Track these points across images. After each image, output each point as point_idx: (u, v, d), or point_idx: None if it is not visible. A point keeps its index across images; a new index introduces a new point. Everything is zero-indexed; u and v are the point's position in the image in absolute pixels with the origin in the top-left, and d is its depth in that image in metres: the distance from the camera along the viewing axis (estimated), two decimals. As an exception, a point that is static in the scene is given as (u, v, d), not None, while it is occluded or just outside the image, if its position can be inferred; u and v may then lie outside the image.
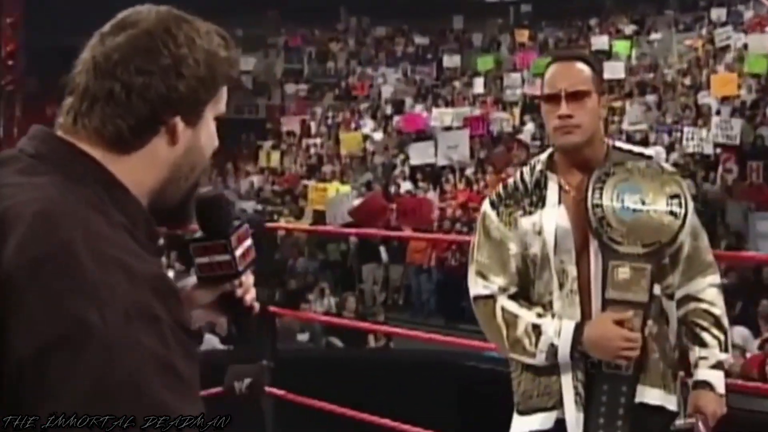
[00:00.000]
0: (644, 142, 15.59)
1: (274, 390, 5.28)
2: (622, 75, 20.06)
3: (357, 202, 15.42)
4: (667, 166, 2.73)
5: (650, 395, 2.54)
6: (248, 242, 1.56)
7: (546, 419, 2.59)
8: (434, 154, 17.06)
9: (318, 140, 22.56)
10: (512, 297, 2.63)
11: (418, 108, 21.81)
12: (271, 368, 5.38)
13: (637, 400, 2.53)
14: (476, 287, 2.67)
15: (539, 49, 23.52)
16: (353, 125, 22.48)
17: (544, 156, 2.70)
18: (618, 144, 2.70)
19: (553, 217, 2.57)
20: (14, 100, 24.19)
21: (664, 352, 2.58)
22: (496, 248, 2.65)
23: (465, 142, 16.97)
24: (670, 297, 2.60)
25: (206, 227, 1.52)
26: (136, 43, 1.29)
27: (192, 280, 1.58)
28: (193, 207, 1.42)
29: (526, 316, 2.59)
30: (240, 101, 26.85)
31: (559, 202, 2.59)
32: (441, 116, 19.69)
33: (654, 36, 23.53)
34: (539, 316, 2.57)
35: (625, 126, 17.10)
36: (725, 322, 2.66)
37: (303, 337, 9.97)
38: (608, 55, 21.51)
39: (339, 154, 20.81)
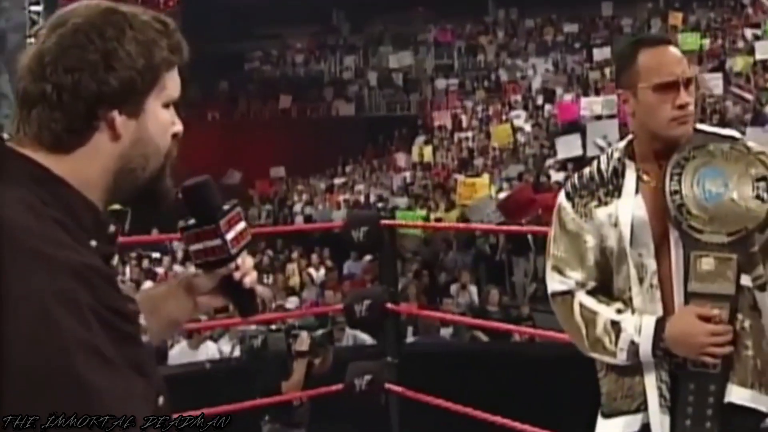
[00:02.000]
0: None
1: (396, 387, 5.25)
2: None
3: (504, 194, 15.23)
4: (756, 146, 2.48)
5: (739, 395, 2.35)
6: (240, 225, 1.56)
7: (630, 423, 2.44)
8: (581, 146, 16.63)
9: (469, 134, 22.45)
10: (591, 292, 2.49)
11: (568, 97, 21.39)
12: (395, 364, 5.37)
13: (726, 399, 2.34)
14: (553, 283, 2.54)
15: (691, 32, 22.64)
16: (504, 117, 22.26)
17: (622, 143, 2.53)
18: (701, 127, 2.50)
19: (629, 208, 2.42)
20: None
21: (759, 348, 2.38)
22: (572, 241, 2.51)
23: (614, 130, 16.49)
24: (762, 288, 2.38)
25: (195, 214, 1.53)
26: (64, 41, 1.28)
27: (192, 268, 1.62)
28: (166, 189, 1.41)
29: (606, 312, 2.44)
30: (392, 98, 27.06)
31: (637, 191, 2.43)
32: (590, 105, 19.24)
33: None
34: (619, 312, 2.42)
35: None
36: None
37: (446, 331, 9.90)
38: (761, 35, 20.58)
39: (490, 146, 20.65)
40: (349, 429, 5.62)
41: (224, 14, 25.66)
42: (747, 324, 2.36)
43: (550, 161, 17.97)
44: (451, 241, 15.29)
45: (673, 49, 2.42)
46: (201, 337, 8.40)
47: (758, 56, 19.70)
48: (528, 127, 20.97)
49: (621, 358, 2.41)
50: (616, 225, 2.42)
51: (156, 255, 16.33)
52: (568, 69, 24.35)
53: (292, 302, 11.27)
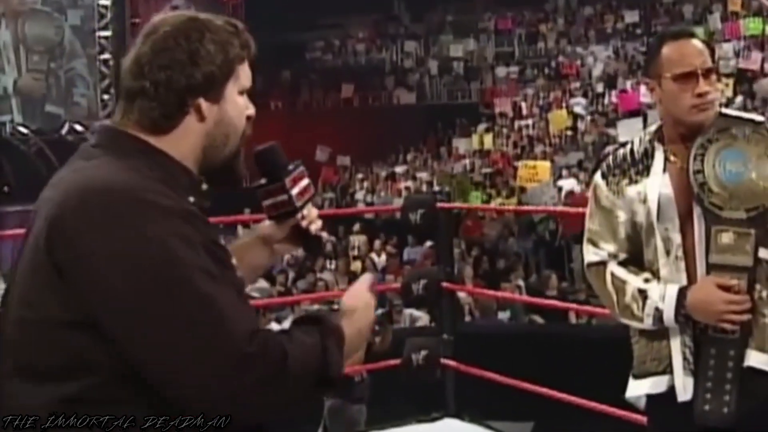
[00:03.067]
0: None
1: (450, 362, 5.46)
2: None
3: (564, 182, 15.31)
4: None
5: (758, 359, 2.55)
6: (304, 182, 1.88)
7: (657, 383, 2.66)
8: (643, 130, 16.62)
9: (529, 121, 22.51)
10: (623, 263, 2.70)
11: (628, 84, 21.33)
12: (451, 341, 5.57)
13: (746, 364, 2.55)
14: (588, 254, 2.76)
15: (753, 17, 22.39)
16: (564, 105, 22.28)
17: (653, 128, 2.75)
18: (725, 111, 2.71)
19: (656, 186, 2.63)
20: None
21: None
22: (606, 216, 2.73)
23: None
24: None
25: (265, 174, 1.85)
26: (156, 46, 1.63)
27: (267, 222, 1.96)
28: (241, 168, 1.73)
29: (634, 281, 2.66)
30: (452, 86, 27.13)
31: (664, 171, 2.65)
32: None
33: None
34: (646, 281, 2.64)
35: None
36: None
37: (504, 315, 10.09)
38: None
39: (549, 134, 20.71)
40: (406, 404, 5.83)
41: (286, 4, 25.88)
42: (765, 294, 2.56)
43: (609, 148, 17.98)
44: (511, 227, 15.45)
45: (695, 41, 2.64)
46: (266, 320, 8.73)
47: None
48: (588, 115, 20.96)
49: (647, 323, 2.63)
50: (644, 201, 2.64)
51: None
52: (628, 56, 24.23)
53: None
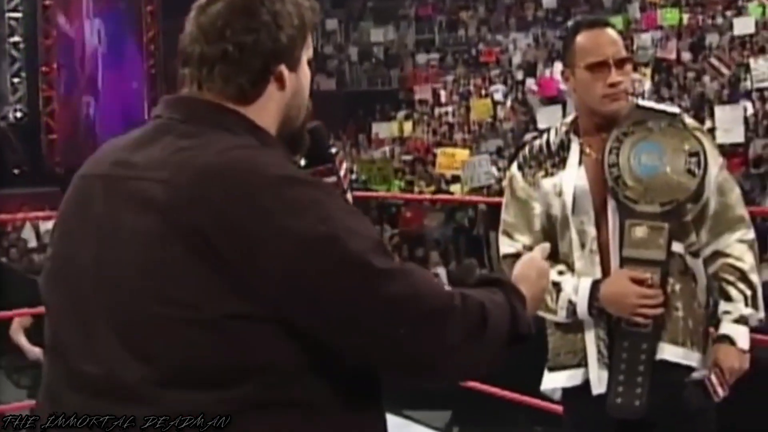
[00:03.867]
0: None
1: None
2: (752, 30, 19.36)
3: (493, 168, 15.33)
4: (692, 122, 2.71)
5: (671, 352, 2.56)
6: (345, 165, 1.75)
7: (572, 376, 2.65)
8: (562, 118, 16.79)
9: (449, 108, 22.63)
10: None
11: (548, 72, 21.56)
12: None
13: (658, 357, 2.55)
14: (503, 246, 2.74)
15: (671, 7, 22.84)
16: (484, 92, 22.44)
17: (568, 119, 2.73)
18: (642, 103, 2.71)
19: (572, 178, 2.62)
20: (158, 82, 25.23)
21: (689, 309, 2.59)
22: (521, 208, 2.71)
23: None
24: (695, 255, 2.60)
25: (310, 155, 1.69)
26: (236, 5, 1.46)
27: None
28: (306, 141, 1.61)
29: None
30: (373, 73, 27.13)
31: (580, 163, 2.63)
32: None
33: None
34: (560, 273, 2.62)
35: (753, 83, 16.42)
36: (754, 277, 2.62)
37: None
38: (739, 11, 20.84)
39: (470, 121, 20.84)
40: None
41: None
42: (678, 287, 2.57)
43: (528, 136, 18.14)
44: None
45: (609, 31, 2.63)
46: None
47: (736, 32, 19.93)
48: (508, 102, 21.14)
49: (561, 315, 2.62)
50: (560, 194, 2.62)
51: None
52: (548, 44, 24.50)
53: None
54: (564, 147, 2.67)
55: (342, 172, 1.72)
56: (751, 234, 2.66)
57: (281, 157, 1.45)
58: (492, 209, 14.59)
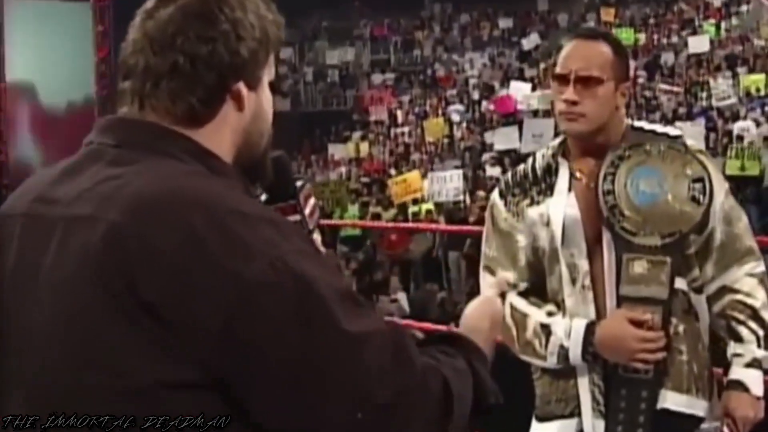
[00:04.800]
0: (735, 117, 15.01)
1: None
2: (706, 49, 19.45)
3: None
4: (694, 145, 2.42)
5: (674, 400, 2.29)
6: (312, 201, 1.53)
7: (565, 427, 2.37)
8: (519, 140, 16.68)
9: (406, 129, 22.47)
10: (523, 294, 2.42)
11: (504, 92, 21.51)
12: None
13: (660, 405, 2.28)
14: (485, 284, 2.46)
15: (626, 27, 22.96)
16: (440, 112, 22.32)
17: (556, 141, 2.47)
18: (638, 124, 2.43)
19: (561, 206, 2.35)
20: (108, 104, 24.83)
21: (694, 352, 2.32)
22: (504, 240, 2.44)
23: (550, 131, 16.54)
24: (699, 291, 2.34)
25: (272, 190, 1.48)
26: (190, 11, 1.24)
27: None
28: (268, 172, 1.39)
29: (536, 314, 2.37)
30: (328, 93, 26.95)
31: (570, 190, 2.37)
32: (527, 99, 19.33)
33: (744, 7, 22.70)
34: (549, 314, 2.36)
35: (714, 102, 16.42)
36: (767, 315, 2.37)
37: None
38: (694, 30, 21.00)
39: (426, 141, 20.67)
40: None
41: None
42: (681, 328, 2.31)
43: (485, 156, 18.00)
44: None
45: (591, 45, 2.34)
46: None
47: (691, 50, 20.02)
48: (464, 122, 21.02)
49: (551, 361, 2.35)
50: (548, 224, 2.36)
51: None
52: (504, 64, 24.46)
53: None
54: (551, 172, 2.41)
55: (308, 209, 1.50)
56: (761, 266, 2.39)
57: (234, 189, 1.22)
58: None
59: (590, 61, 2.30)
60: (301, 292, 1.11)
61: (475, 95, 22.71)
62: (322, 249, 1.57)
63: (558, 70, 2.34)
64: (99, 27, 24.77)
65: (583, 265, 2.32)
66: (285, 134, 24.34)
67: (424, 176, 15.94)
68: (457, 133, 20.41)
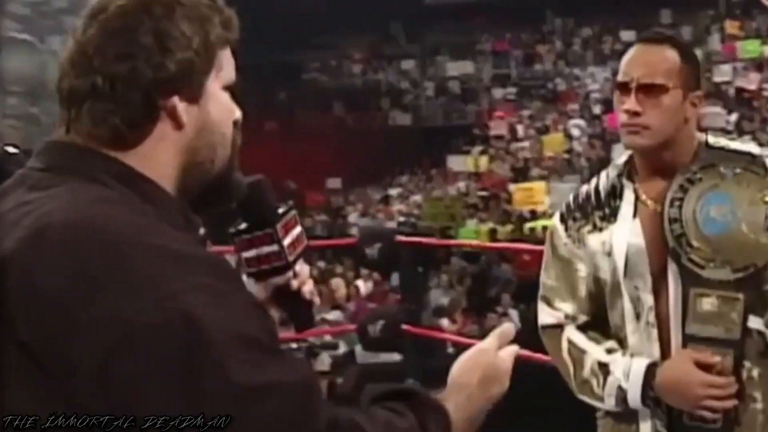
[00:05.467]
0: None
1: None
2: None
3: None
4: None
5: None
6: (297, 230, 1.44)
7: None
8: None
9: (525, 143, 22.10)
10: (583, 327, 2.22)
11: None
12: (416, 386, 5.12)
13: None
14: (542, 315, 2.28)
15: (752, 39, 22.12)
16: (561, 127, 21.90)
17: (621, 159, 2.26)
18: (715, 141, 2.17)
19: (624, 234, 2.14)
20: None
21: None
22: (563, 269, 2.25)
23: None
24: None
25: (249, 217, 1.41)
26: (109, 27, 1.17)
27: (244, 277, 1.44)
28: (239, 186, 1.30)
29: (594, 351, 2.17)
30: (448, 107, 26.82)
31: (635, 215, 2.16)
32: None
33: None
34: (609, 352, 2.15)
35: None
36: None
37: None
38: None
39: (545, 156, 20.31)
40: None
41: (281, 24, 25.61)
42: (755, 373, 2.07)
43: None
44: (502, 253, 14.93)
45: (651, 49, 2.13)
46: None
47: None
48: (585, 137, 20.58)
49: (609, 403, 2.15)
50: (609, 254, 2.15)
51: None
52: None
53: (334, 315, 11.06)
54: (615, 194, 2.20)
55: (289, 239, 1.41)
56: None
57: (158, 218, 1.13)
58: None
59: (654, 67, 2.09)
60: (190, 337, 1.00)
61: (597, 110, 22.21)
62: (309, 286, 1.45)
63: (619, 78, 2.14)
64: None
65: (648, 299, 2.11)
66: (406, 148, 24.49)
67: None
68: (577, 148, 19.99)
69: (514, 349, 1.35)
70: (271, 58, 24.99)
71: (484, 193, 19.01)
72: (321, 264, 15.66)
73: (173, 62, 1.16)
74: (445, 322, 10.18)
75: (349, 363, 5.32)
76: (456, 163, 22.27)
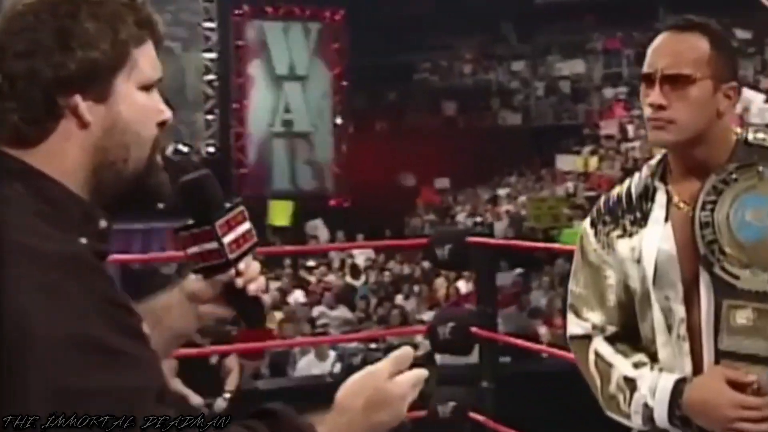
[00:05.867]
0: None
1: (479, 417, 4.87)
2: None
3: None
4: None
5: None
6: (243, 227, 1.42)
7: None
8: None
9: (636, 143, 21.58)
10: (611, 339, 2.07)
11: (739, 106, 20.22)
12: (490, 391, 5.02)
13: None
14: (570, 324, 2.14)
15: None
16: (673, 127, 21.32)
17: (654, 159, 2.10)
18: (753, 136, 1.98)
19: (655, 240, 1.98)
20: (345, 116, 25.60)
21: None
22: (592, 276, 2.10)
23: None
24: None
25: (191, 213, 1.41)
26: (13, 26, 1.18)
27: (193, 275, 1.48)
28: (161, 188, 1.31)
29: (621, 365, 2.02)
30: (558, 107, 26.43)
31: (666, 219, 1.99)
32: (762, 112, 18.07)
33: None
34: (636, 366, 1.99)
35: None
36: None
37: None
38: None
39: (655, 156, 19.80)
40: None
41: (394, 26, 25.72)
42: None
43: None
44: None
45: (677, 37, 1.97)
46: (327, 347, 8.18)
47: None
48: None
49: (636, 422, 1.99)
50: (639, 261, 1.99)
51: (311, 263, 16.39)
52: (741, 75, 23.04)
53: (428, 316, 10.97)
54: (647, 196, 2.04)
55: (232, 236, 1.39)
56: None
57: (44, 216, 1.13)
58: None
59: (679, 56, 1.92)
60: (16, 336, 1.01)
61: (711, 109, 21.57)
62: (257, 284, 1.42)
63: (643, 69, 1.98)
64: (334, 44, 25.60)
65: (679, 310, 1.94)
66: (515, 148, 24.26)
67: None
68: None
69: (415, 375, 1.29)
70: (383, 60, 25.19)
71: (590, 194, 18.63)
72: (425, 264, 15.64)
73: (74, 61, 1.16)
74: (540, 324, 9.97)
75: (429, 364, 5.22)
76: (565, 163, 21.93)
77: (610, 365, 2.03)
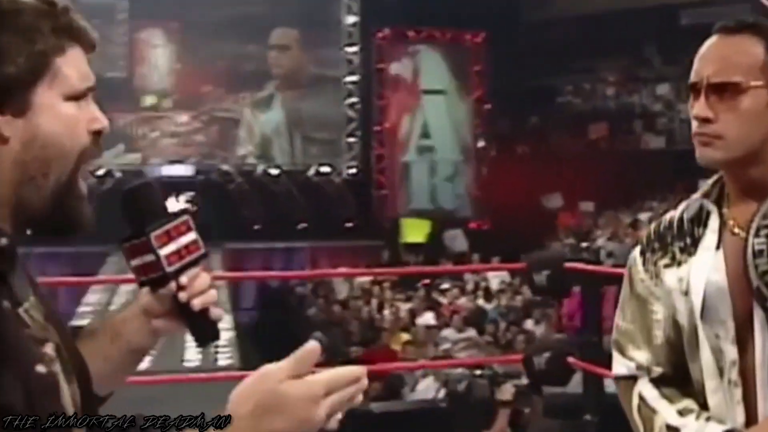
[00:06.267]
0: None
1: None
2: None
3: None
4: None
5: None
6: (187, 237, 1.34)
7: None
8: None
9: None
10: (658, 380, 1.84)
11: None
12: (593, 424, 4.77)
13: None
14: (615, 363, 1.92)
15: None
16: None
17: (710, 180, 1.87)
18: None
19: (704, 270, 1.74)
20: (487, 141, 25.52)
21: None
22: (639, 309, 1.88)
23: None
24: None
25: (129, 224, 1.34)
26: None
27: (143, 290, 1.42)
28: (83, 209, 1.25)
29: (665, 412, 1.79)
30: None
31: (718, 246, 1.75)
32: None
33: None
34: (681, 414, 1.77)
35: None
36: None
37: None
38: None
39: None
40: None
41: (538, 50, 25.46)
42: None
43: None
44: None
45: (726, 41, 1.73)
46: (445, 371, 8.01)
47: None
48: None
49: None
50: (687, 293, 1.76)
51: (445, 285, 16.28)
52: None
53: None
54: (700, 221, 1.81)
55: (172, 247, 1.30)
56: None
57: None
58: None
59: (728, 62, 1.70)
60: None
61: None
62: (203, 298, 1.35)
63: (691, 79, 1.75)
64: (475, 67, 25.53)
65: (731, 351, 1.71)
66: (658, 172, 23.52)
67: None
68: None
69: (331, 374, 1.12)
70: (527, 84, 25.01)
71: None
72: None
73: None
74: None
75: (533, 393, 5.03)
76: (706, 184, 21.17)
77: (653, 411, 1.81)
